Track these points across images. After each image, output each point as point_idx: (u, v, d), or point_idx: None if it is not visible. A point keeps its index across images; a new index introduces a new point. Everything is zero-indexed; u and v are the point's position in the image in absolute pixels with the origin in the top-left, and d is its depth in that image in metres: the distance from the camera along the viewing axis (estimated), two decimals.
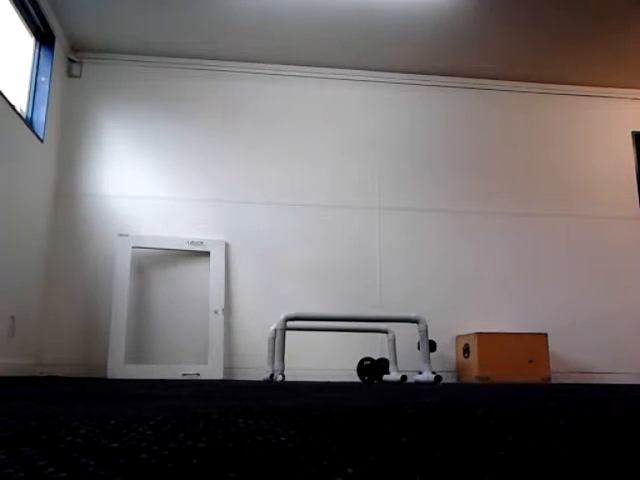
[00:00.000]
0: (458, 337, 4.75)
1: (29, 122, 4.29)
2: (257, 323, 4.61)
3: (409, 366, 4.28)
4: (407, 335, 4.32)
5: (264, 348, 4.18)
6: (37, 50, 4.52)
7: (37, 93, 4.45)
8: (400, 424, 0.78)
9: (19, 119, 3.96)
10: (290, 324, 3.39)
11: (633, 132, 5.53)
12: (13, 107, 3.83)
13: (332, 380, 4.29)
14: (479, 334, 4.45)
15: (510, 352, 4.39)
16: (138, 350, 4.56)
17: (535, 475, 0.43)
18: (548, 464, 0.47)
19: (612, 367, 4.87)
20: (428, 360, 3.33)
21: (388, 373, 4.10)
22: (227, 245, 4.84)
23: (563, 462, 0.48)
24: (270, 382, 3.30)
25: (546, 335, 4.52)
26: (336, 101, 5.29)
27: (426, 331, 3.38)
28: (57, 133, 4.75)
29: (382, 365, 4.30)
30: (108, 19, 4.57)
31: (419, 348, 3.42)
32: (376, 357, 4.45)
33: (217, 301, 4.64)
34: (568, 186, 5.33)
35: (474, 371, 4.41)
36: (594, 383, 4.39)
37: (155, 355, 4.57)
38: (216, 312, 4.61)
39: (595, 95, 5.53)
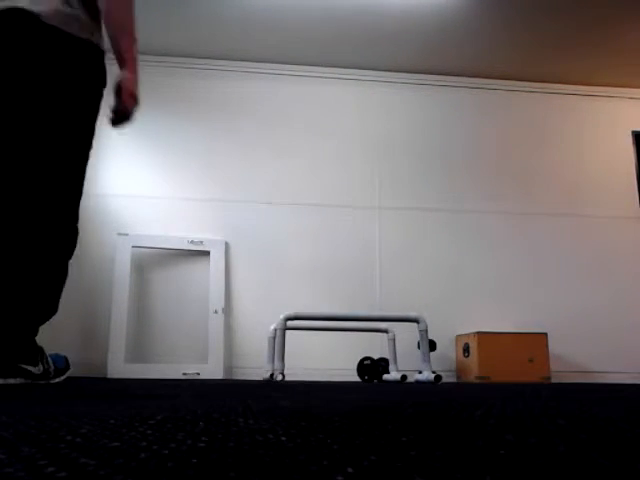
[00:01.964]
0: (458, 337, 4.75)
1: None
2: (257, 323, 4.61)
3: (409, 366, 4.28)
4: (407, 335, 4.32)
5: (264, 348, 4.18)
6: None
7: None
8: (400, 424, 0.78)
9: None
10: (290, 324, 3.39)
11: (633, 132, 5.53)
12: None
13: (332, 380, 4.29)
14: (479, 334, 4.46)
15: (510, 352, 4.40)
16: (138, 349, 4.56)
17: (535, 475, 0.43)
18: (548, 464, 0.47)
19: (612, 367, 4.87)
20: (428, 360, 3.33)
21: (388, 373, 4.10)
22: (227, 245, 4.84)
23: (563, 462, 0.48)
24: (270, 382, 3.30)
25: (546, 335, 4.53)
26: (336, 101, 5.29)
27: (426, 331, 3.38)
28: None
29: (382, 365, 4.30)
30: None
31: (419, 348, 3.42)
32: (376, 357, 4.45)
33: (217, 301, 4.64)
34: (568, 186, 5.33)
35: (474, 371, 4.41)
36: (594, 383, 4.39)
37: (155, 354, 4.58)
38: (216, 312, 4.61)
39: (595, 95, 5.54)
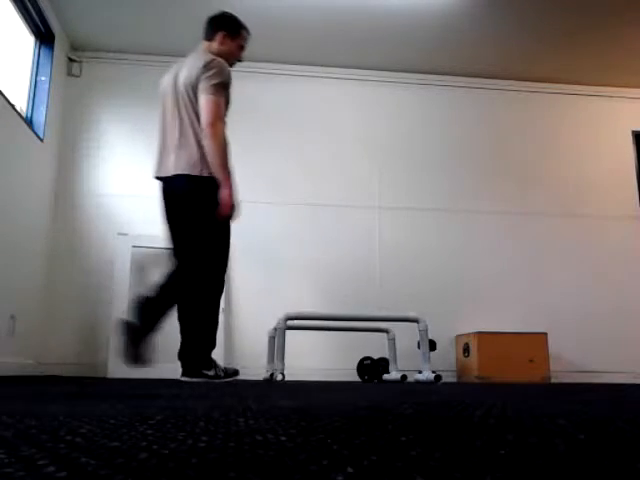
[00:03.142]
0: (458, 336, 4.75)
1: (29, 121, 4.29)
2: (257, 323, 4.61)
3: (409, 365, 4.28)
4: (407, 335, 4.32)
5: (264, 347, 4.18)
6: (37, 49, 4.52)
7: (37, 92, 4.45)
8: (400, 424, 0.78)
9: (19, 118, 3.96)
10: (290, 323, 3.39)
11: (633, 131, 5.53)
12: (13, 106, 3.83)
13: (332, 380, 4.29)
14: (479, 334, 4.46)
15: (510, 352, 4.39)
16: None
17: (535, 475, 0.43)
18: (548, 464, 0.47)
19: (612, 367, 4.87)
20: (428, 359, 3.33)
21: (388, 372, 4.10)
22: None
23: (563, 462, 0.48)
24: (270, 382, 3.30)
25: (546, 335, 4.52)
26: (336, 101, 5.28)
27: (426, 330, 3.38)
28: (57, 132, 4.76)
29: (382, 365, 4.30)
30: (108, 18, 4.57)
31: (419, 348, 3.42)
32: (376, 356, 4.45)
33: None
34: (568, 186, 5.33)
35: (474, 371, 4.41)
36: (594, 383, 4.39)
37: (155, 354, 4.57)
38: None
39: (595, 95, 5.53)
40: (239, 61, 3.20)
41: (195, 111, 2.86)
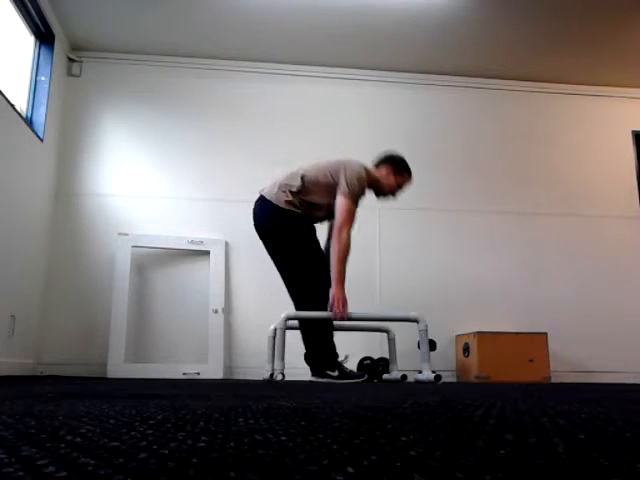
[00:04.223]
0: (458, 336, 4.75)
1: (29, 121, 4.29)
2: (257, 322, 4.61)
3: (409, 365, 4.28)
4: (407, 334, 4.32)
5: (264, 347, 4.18)
6: (37, 49, 4.52)
7: (37, 92, 4.45)
8: (400, 424, 0.78)
9: (19, 118, 3.96)
10: (290, 323, 3.38)
11: (633, 131, 5.53)
12: (13, 106, 3.83)
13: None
14: (479, 333, 4.46)
15: (510, 351, 4.40)
16: (138, 349, 4.56)
17: (535, 475, 0.43)
18: (548, 464, 0.47)
19: (612, 367, 4.87)
20: (428, 359, 3.33)
21: (388, 372, 4.09)
22: (227, 244, 4.84)
23: (563, 462, 0.48)
24: (270, 381, 3.30)
25: (546, 334, 4.52)
26: (336, 100, 5.28)
27: (426, 331, 3.38)
28: (57, 132, 4.76)
29: (382, 364, 4.30)
30: (108, 18, 4.57)
31: (419, 348, 3.42)
32: (376, 357, 4.45)
33: (217, 300, 4.64)
34: (568, 186, 5.33)
35: (474, 370, 4.41)
36: (594, 383, 4.39)
37: (155, 354, 4.57)
38: (216, 311, 4.61)
39: (595, 95, 5.53)
40: (392, 195, 3.53)
41: (315, 179, 3.26)
